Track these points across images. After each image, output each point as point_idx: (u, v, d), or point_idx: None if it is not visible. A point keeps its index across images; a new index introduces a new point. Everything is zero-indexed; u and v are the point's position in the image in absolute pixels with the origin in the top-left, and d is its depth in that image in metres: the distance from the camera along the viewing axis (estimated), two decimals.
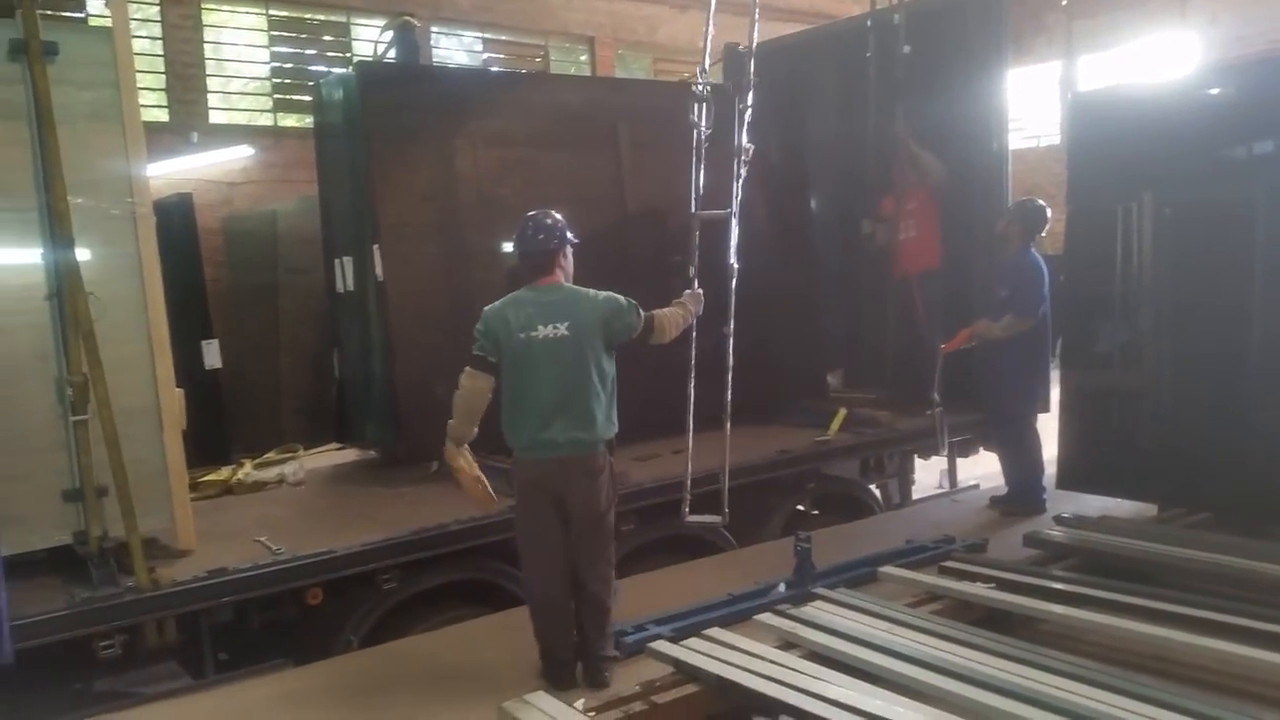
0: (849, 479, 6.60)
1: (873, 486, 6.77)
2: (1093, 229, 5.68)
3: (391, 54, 6.41)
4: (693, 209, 4.79)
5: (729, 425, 4.88)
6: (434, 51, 11.91)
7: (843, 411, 6.60)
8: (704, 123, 4.69)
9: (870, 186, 7.67)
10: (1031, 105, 16.46)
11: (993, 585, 4.51)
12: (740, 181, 4.74)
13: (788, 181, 7.48)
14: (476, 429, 4.02)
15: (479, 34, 12.50)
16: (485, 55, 12.61)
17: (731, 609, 4.26)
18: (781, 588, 4.43)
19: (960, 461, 7.24)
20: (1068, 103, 13.54)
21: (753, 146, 4.75)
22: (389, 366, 5.94)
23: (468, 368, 3.95)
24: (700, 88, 4.72)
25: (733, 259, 4.75)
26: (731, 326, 4.82)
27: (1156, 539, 4.95)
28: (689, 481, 4.75)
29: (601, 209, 6.60)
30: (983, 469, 7.43)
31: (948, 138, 7.15)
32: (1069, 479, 5.78)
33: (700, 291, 4.60)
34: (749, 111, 4.76)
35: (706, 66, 4.91)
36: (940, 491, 7.50)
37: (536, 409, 3.90)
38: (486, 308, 4.03)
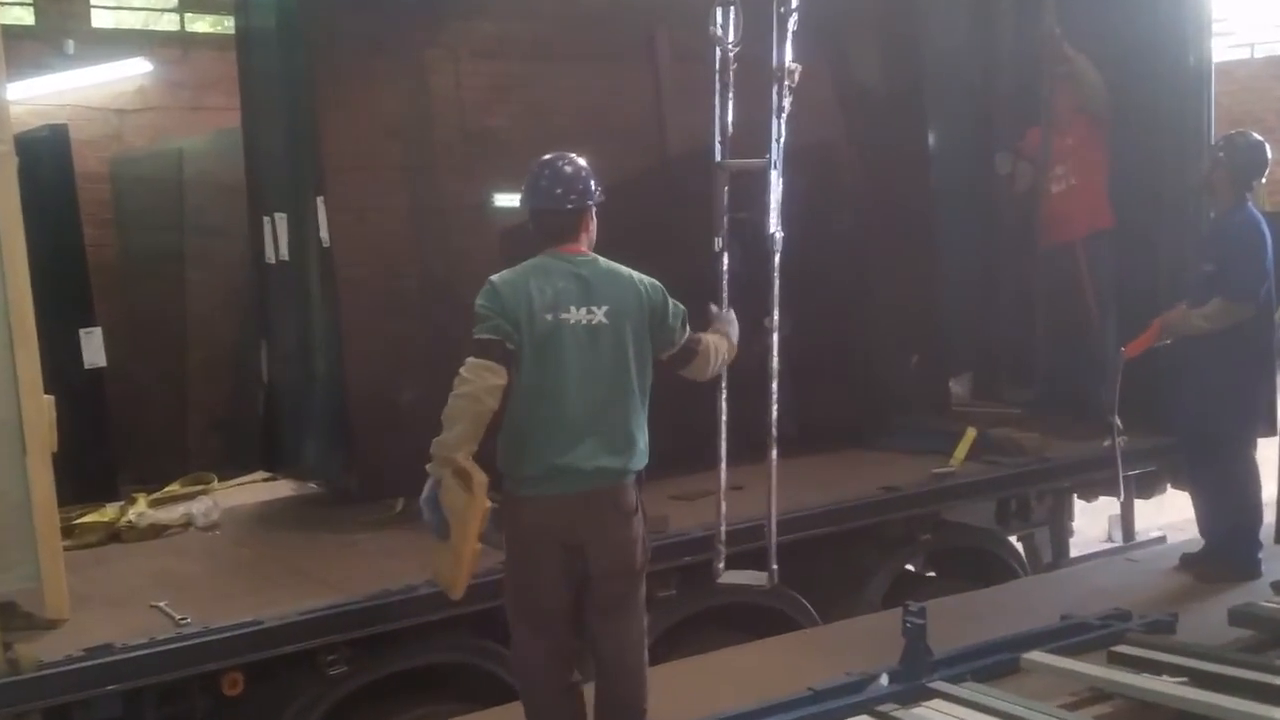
0: (980, 528, 6.58)
1: (1014, 539, 6.73)
2: None
3: None
4: (717, 156, 4.82)
5: (774, 451, 4.97)
6: None
7: (971, 433, 6.57)
8: (731, 35, 4.72)
9: (1009, 112, 7.61)
10: (1242, 1, 16.25)
11: (1185, 680, 4.45)
12: (783, 116, 4.74)
13: (894, 113, 7.44)
14: (477, 447, 3.94)
15: None
16: None
17: (813, 709, 4.24)
18: (884, 680, 4.40)
19: (1139, 504, 7.17)
20: None
21: (799, 67, 4.74)
22: (337, 366, 5.97)
23: (471, 358, 3.90)
24: None
25: (774, 227, 4.77)
26: (775, 319, 4.83)
27: None
28: (723, 529, 4.85)
29: (632, 147, 6.59)
30: (1170, 515, 7.35)
31: (1123, 47, 7.09)
32: None
33: (733, 315, 4.68)
34: (793, 19, 4.72)
35: None
36: (1109, 546, 7.43)
37: (559, 423, 3.91)
38: (495, 276, 4.03)
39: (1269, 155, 5.85)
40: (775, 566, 4.76)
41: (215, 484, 6.65)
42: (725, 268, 4.81)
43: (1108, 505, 7.13)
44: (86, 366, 6.83)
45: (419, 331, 5.86)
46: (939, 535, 6.34)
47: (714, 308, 4.67)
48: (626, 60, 6.66)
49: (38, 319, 4.51)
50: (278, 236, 6.32)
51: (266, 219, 6.40)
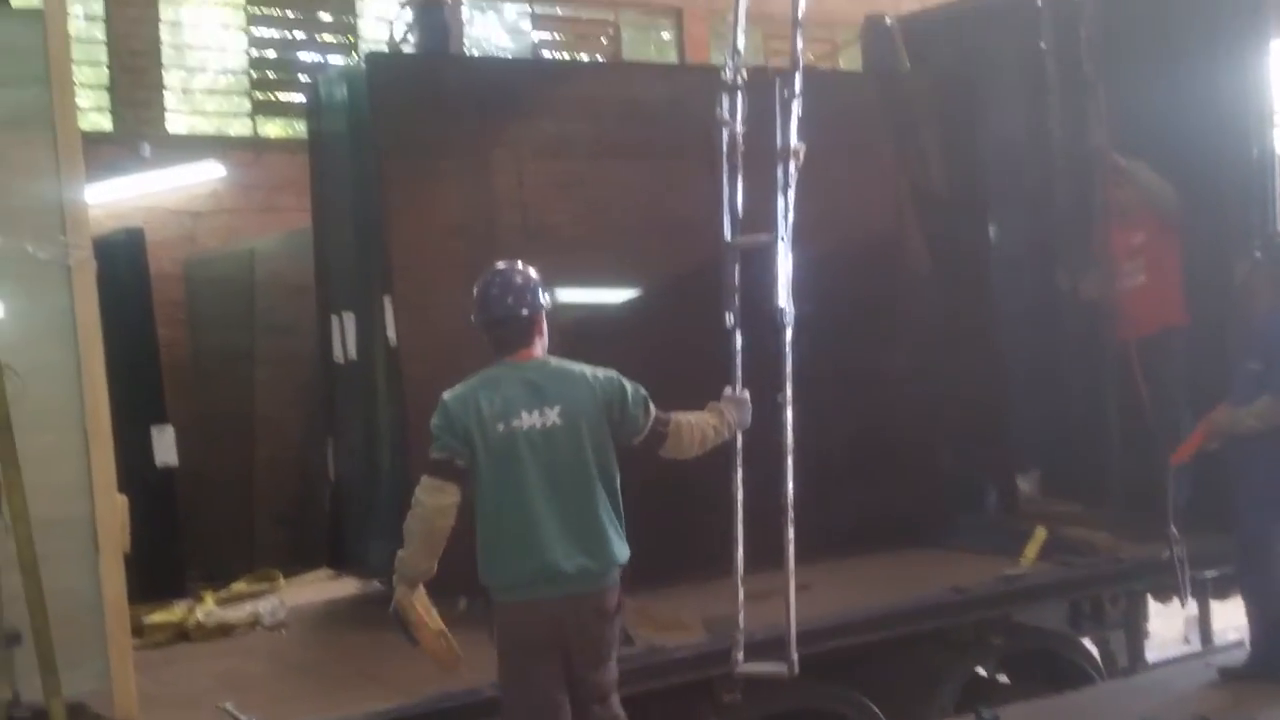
0: (1053, 631, 6.44)
1: (1088, 642, 6.57)
2: None
3: (412, 39, 6.57)
4: (725, 235, 4.92)
5: (791, 539, 4.97)
6: (466, 32, 12.16)
7: (1042, 532, 6.46)
8: (736, 118, 4.86)
9: (1063, 217, 7.55)
10: None
11: None
12: (788, 194, 4.84)
13: (954, 201, 7.45)
14: (436, 564, 4.09)
15: (525, 8, 12.79)
16: (535, 37, 12.88)
17: None
18: None
19: (1216, 606, 6.98)
20: None
21: (803, 146, 4.83)
22: (402, 463, 5.96)
23: (425, 477, 4.03)
24: (731, 72, 4.87)
25: (783, 301, 4.84)
26: (788, 394, 4.85)
27: None
28: (741, 617, 4.87)
29: (691, 242, 6.60)
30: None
31: (1184, 142, 7.04)
32: None
33: (745, 396, 4.71)
34: (798, 101, 4.82)
35: (741, 19, 5.08)
36: (1187, 650, 7.24)
37: (528, 529, 4.00)
38: (446, 394, 4.14)
39: None
40: (795, 656, 4.75)
41: (281, 581, 6.68)
42: (738, 347, 4.86)
43: (1186, 608, 6.94)
44: (158, 465, 6.92)
45: None
46: (1011, 638, 6.20)
47: (727, 389, 4.73)
48: (686, 158, 6.69)
49: (112, 418, 4.55)
50: (345, 335, 6.38)
51: (335, 318, 6.47)
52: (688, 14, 13.61)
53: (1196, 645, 7.22)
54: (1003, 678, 6.30)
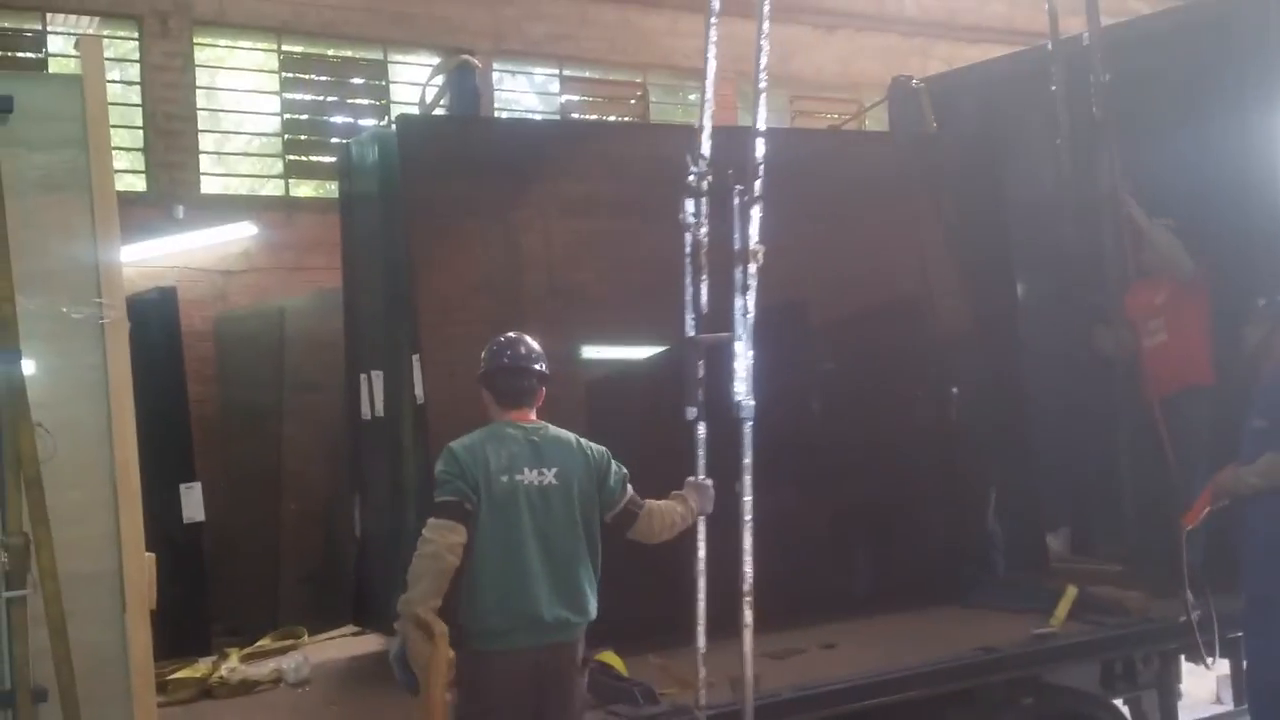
0: (1084, 691, 6.32)
1: (1120, 702, 6.48)
2: None
3: (443, 103, 6.64)
4: (689, 331, 5.07)
5: (749, 621, 5.04)
6: (496, 94, 12.26)
7: (1072, 591, 6.38)
8: (700, 218, 5.10)
9: (1082, 275, 7.52)
10: None
11: None
12: (747, 294, 5.00)
13: (981, 260, 7.44)
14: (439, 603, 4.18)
15: (554, 71, 12.90)
16: (563, 98, 13.00)
17: None
18: None
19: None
20: None
21: (763, 248, 5.03)
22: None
23: (432, 519, 4.22)
24: (695, 177, 5.13)
25: (741, 395, 4.98)
26: (748, 484, 4.98)
27: None
28: (702, 690, 4.91)
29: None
30: None
31: (1210, 198, 7.02)
32: None
33: (709, 483, 4.89)
34: (757, 205, 5.04)
35: (706, 126, 5.31)
36: (1219, 709, 7.13)
37: (519, 576, 4.21)
38: (453, 444, 4.34)
39: None
40: None
41: (305, 638, 6.66)
42: (701, 436, 5.02)
43: (1216, 666, 6.84)
44: (185, 521, 6.91)
45: None
46: (1041, 699, 6.11)
47: (690, 478, 4.93)
48: (713, 217, 6.71)
49: (141, 475, 4.56)
50: (373, 393, 6.41)
51: (363, 376, 6.49)
52: (717, 77, 13.67)
53: (1229, 704, 7.09)
54: None
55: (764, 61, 5.39)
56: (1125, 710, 6.54)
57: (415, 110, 7.05)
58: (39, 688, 4.17)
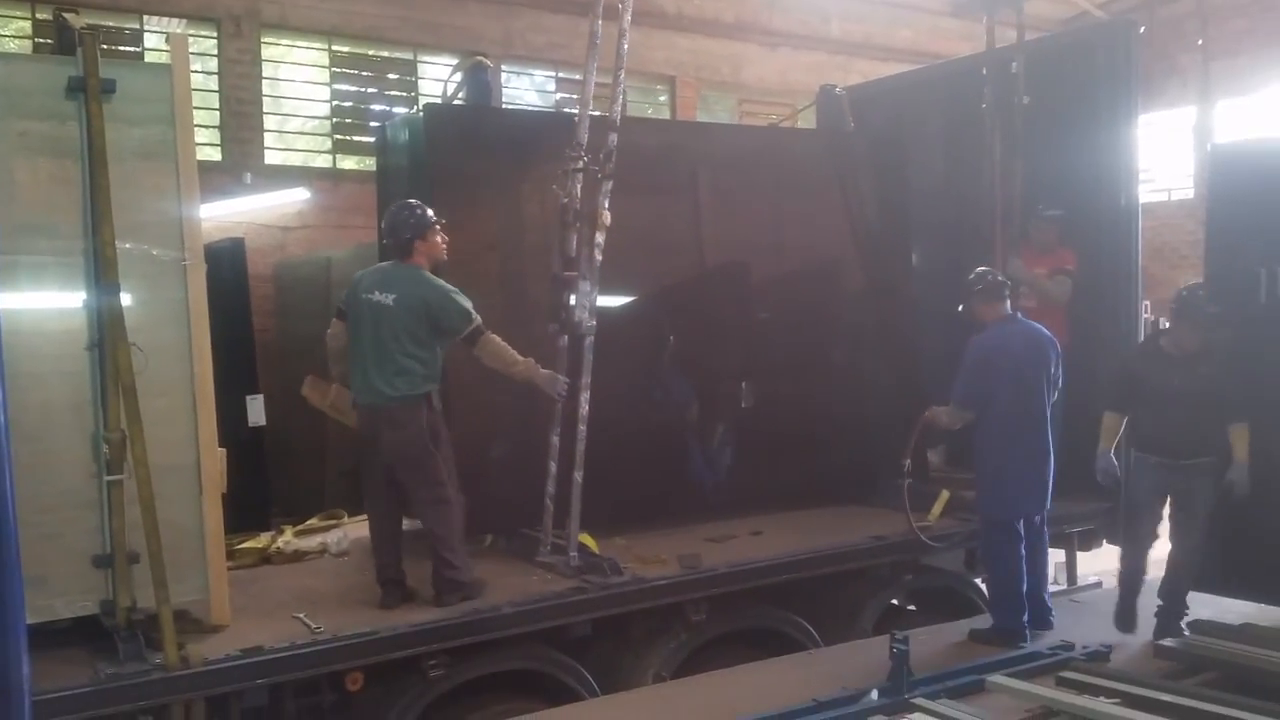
0: (951, 571, 6.44)
1: (979, 581, 6.53)
2: (1233, 295, 5.51)
3: (461, 95, 6.57)
4: (555, 270, 5.49)
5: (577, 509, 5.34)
6: (504, 91, 12.16)
7: (945, 494, 6.45)
8: (572, 189, 5.46)
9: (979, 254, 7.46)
10: (1161, 154, 16.18)
11: (1118, 701, 4.34)
12: (592, 244, 5.40)
13: (884, 233, 7.45)
14: None
15: (551, 73, 12.78)
16: (558, 95, 12.88)
17: (817, 717, 4.15)
18: (875, 695, 4.30)
19: (1081, 556, 7.00)
20: (1205, 154, 13.29)
21: (608, 215, 5.43)
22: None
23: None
24: (571, 156, 5.50)
25: (580, 317, 5.42)
26: (587, 389, 5.46)
27: None
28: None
29: (677, 259, 6.64)
30: (1106, 563, 7.18)
31: (1070, 190, 7.05)
32: (1206, 580, 5.54)
33: (563, 381, 5.24)
34: (609, 180, 5.44)
35: (583, 136, 5.55)
36: (1056, 588, 7.25)
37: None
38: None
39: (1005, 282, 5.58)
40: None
41: (346, 519, 6.68)
42: (563, 344, 5.49)
43: (1054, 554, 6.94)
44: (250, 425, 6.91)
45: (504, 400, 5.84)
46: (918, 577, 6.24)
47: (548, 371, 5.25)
48: (675, 193, 6.70)
49: (215, 387, 4.57)
50: None
51: None
52: (680, 81, 13.62)
53: (1064, 585, 7.20)
54: (912, 607, 6.32)
55: (623, 71, 5.80)
56: (982, 587, 6.60)
57: (439, 101, 6.98)
58: (132, 552, 4.21)
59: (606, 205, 5.41)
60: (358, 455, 6.67)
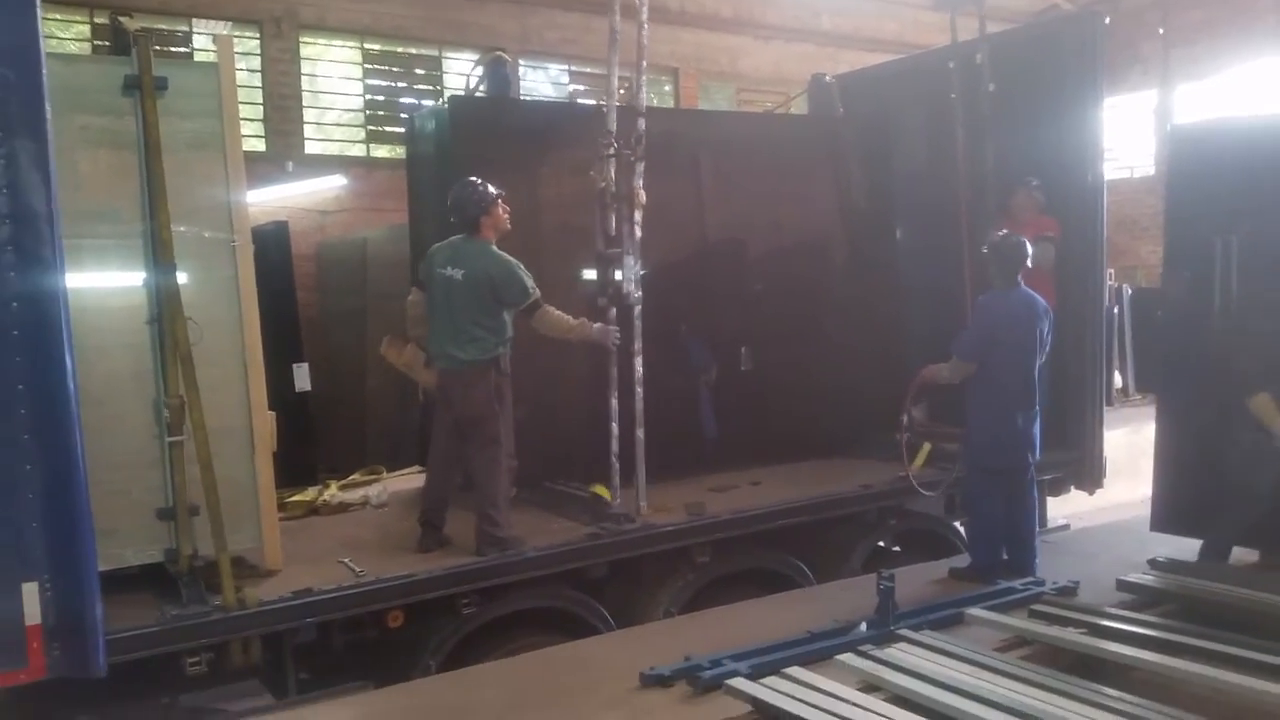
0: (933, 516, 6.40)
1: (957, 524, 6.51)
2: (1191, 262, 5.47)
3: (483, 88, 6.52)
4: (600, 248, 5.46)
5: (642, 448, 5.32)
6: (522, 84, 12.08)
7: (927, 446, 6.38)
8: (608, 175, 5.40)
9: (958, 233, 7.36)
10: (1125, 135, 16.02)
11: (1084, 630, 4.35)
12: (633, 222, 5.31)
13: (872, 211, 7.40)
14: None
15: (565, 67, 12.68)
16: (571, 87, 12.78)
17: (811, 647, 4.16)
18: (863, 628, 4.31)
19: (1051, 500, 6.99)
20: (1166, 135, 13.14)
21: (644, 193, 5.35)
22: None
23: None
24: (603, 143, 5.42)
25: (629, 288, 5.35)
26: (638, 360, 5.38)
27: (1257, 586, 4.72)
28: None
29: (683, 237, 6.61)
30: (1074, 507, 7.18)
31: (1040, 169, 6.96)
32: (1164, 521, 5.55)
33: (616, 330, 5.20)
34: (641, 163, 5.36)
35: (612, 124, 5.46)
36: None
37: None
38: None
39: (1028, 249, 5.34)
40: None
41: (385, 474, 6.71)
42: (612, 316, 5.34)
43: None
44: (297, 390, 6.93)
45: (525, 363, 5.78)
46: (903, 521, 6.24)
47: (599, 324, 5.25)
48: (679, 176, 6.66)
49: (264, 357, 4.58)
50: None
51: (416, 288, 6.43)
52: (683, 73, 13.51)
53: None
54: (897, 548, 6.33)
55: (645, 63, 5.83)
56: (961, 530, 6.62)
57: (462, 93, 6.93)
58: (193, 505, 4.24)
59: (640, 185, 5.35)
60: (425, 411, 6.75)
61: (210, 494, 4.18)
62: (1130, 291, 12.15)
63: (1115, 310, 11.54)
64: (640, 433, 5.33)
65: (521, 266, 4.97)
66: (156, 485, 4.30)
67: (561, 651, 4.56)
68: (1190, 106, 15.59)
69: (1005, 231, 5.60)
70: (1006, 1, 15.10)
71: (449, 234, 5.30)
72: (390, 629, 4.48)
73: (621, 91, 5.75)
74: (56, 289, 3.45)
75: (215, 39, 9.22)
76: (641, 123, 5.39)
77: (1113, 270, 10.76)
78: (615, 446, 5.32)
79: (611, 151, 5.36)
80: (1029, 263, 5.40)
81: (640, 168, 5.34)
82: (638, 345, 5.32)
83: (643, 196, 5.33)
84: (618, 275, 5.35)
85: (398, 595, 4.46)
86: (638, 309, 5.35)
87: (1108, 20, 6.98)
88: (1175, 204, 5.77)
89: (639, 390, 5.33)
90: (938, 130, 7.59)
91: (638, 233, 5.32)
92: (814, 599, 5.22)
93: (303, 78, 11.00)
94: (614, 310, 5.35)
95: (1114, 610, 4.61)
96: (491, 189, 5.01)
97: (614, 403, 5.32)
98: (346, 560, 4.66)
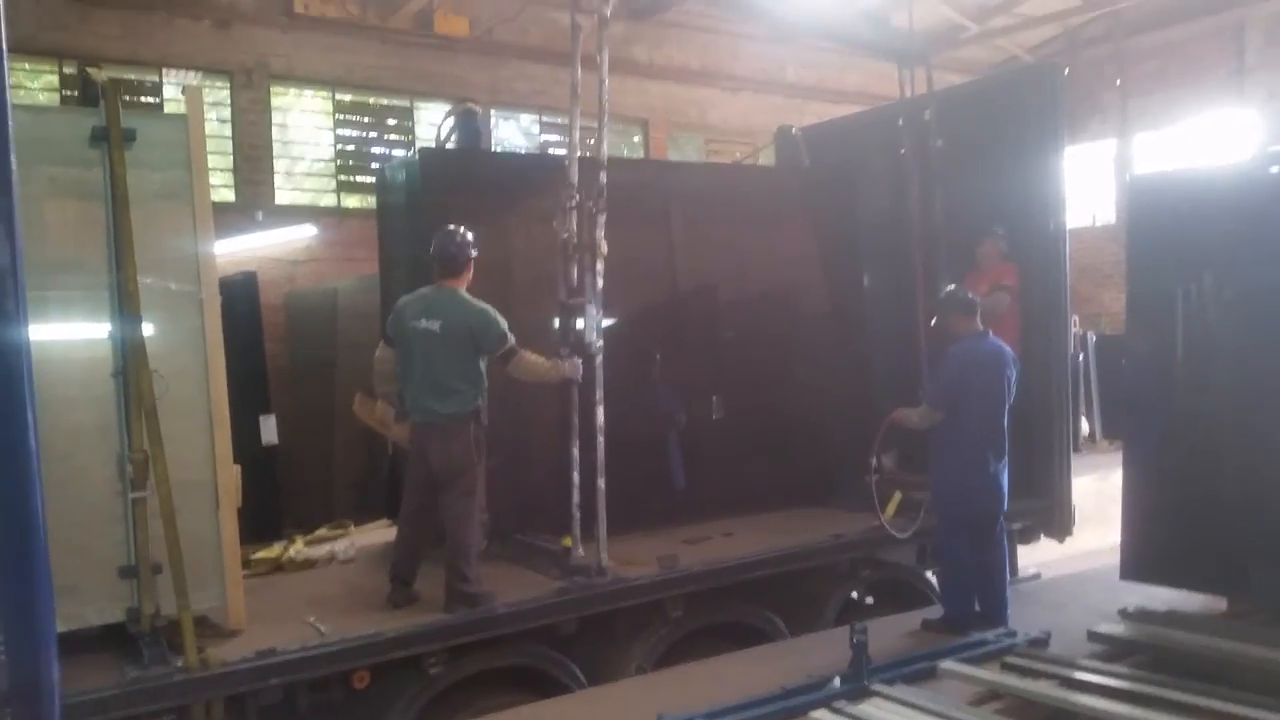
0: (905, 566, 6.42)
1: (929, 574, 6.53)
2: (1152, 311, 5.56)
3: (454, 139, 6.55)
4: (561, 297, 5.50)
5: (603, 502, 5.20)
6: (493, 134, 12.15)
7: (898, 495, 6.43)
8: (571, 229, 5.42)
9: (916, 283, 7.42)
10: (1085, 184, 16.35)
11: (1057, 683, 4.33)
12: (594, 272, 5.33)
13: (838, 260, 7.47)
14: None
15: (535, 117, 12.79)
16: (542, 137, 12.88)
17: (785, 704, 4.13)
18: (837, 683, 4.28)
19: (1021, 549, 7.00)
20: (1126, 185, 13.41)
21: (605, 243, 5.36)
22: None
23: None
24: (571, 202, 5.41)
25: (591, 338, 5.34)
26: (600, 399, 5.32)
27: (1228, 635, 4.74)
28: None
29: (654, 285, 6.64)
30: (1044, 555, 7.20)
31: (1004, 217, 7.08)
32: (1134, 569, 5.57)
33: (579, 362, 5.20)
34: (603, 215, 5.38)
35: (574, 177, 5.49)
36: None
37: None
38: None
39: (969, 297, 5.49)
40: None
41: (352, 528, 6.62)
42: (578, 363, 5.28)
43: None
44: (263, 443, 6.85)
45: (497, 411, 5.77)
46: (876, 571, 6.22)
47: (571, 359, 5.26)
48: (650, 226, 6.71)
49: (230, 409, 4.52)
50: None
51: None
52: (652, 123, 13.67)
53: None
54: (870, 600, 6.31)
55: (606, 116, 5.68)
56: (933, 580, 6.62)
57: (433, 144, 6.96)
58: (155, 563, 4.16)
59: (602, 236, 5.39)
60: (394, 464, 6.68)
61: (173, 551, 4.09)
62: (1095, 338, 12.34)
63: (1080, 357, 11.79)
64: (601, 483, 5.28)
65: (496, 311, 4.97)
66: (119, 542, 4.22)
67: (532, 712, 4.49)
68: (1148, 155, 15.97)
69: (953, 286, 5.71)
70: (967, 53, 15.61)
71: (420, 284, 5.31)
72: (357, 690, 4.39)
73: (590, 142, 5.77)
74: (19, 341, 3.37)
75: (184, 90, 9.20)
76: (603, 175, 5.43)
77: (1077, 317, 10.91)
78: (576, 497, 5.29)
79: (574, 203, 5.41)
80: (978, 313, 5.47)
81: (602, 219, 5.39)
82: (599, 394, 5.32)
83: (604, 247, 5.37)
84: (579, 324, 5.37)
85: (364, 655, 4.38)
86: (599, 358, 5.36)
87: (1067, 71, 7.15)
88: (1136, 253, 5.86)
89: (600, 439, 5.31)
90: (898, 180, 7.73)
91: (599, 282, 5.36)
92: (788, 653, 5.18)
93: (274, 127, 10.99)
94: (578, 359, 5.37)
95: (1086, 662, 4.60)
96: (470, 235, 5.04)
97: (574, 452, 5.30)
98: (312, 619, 4.57)
